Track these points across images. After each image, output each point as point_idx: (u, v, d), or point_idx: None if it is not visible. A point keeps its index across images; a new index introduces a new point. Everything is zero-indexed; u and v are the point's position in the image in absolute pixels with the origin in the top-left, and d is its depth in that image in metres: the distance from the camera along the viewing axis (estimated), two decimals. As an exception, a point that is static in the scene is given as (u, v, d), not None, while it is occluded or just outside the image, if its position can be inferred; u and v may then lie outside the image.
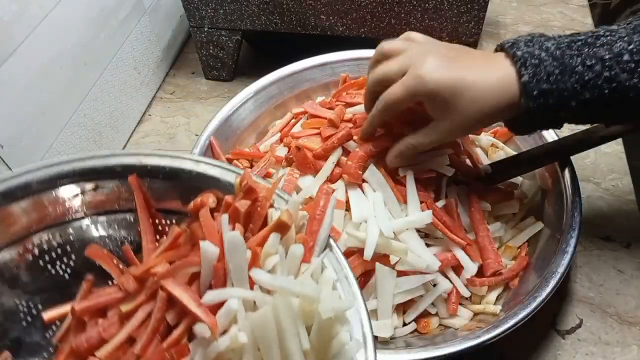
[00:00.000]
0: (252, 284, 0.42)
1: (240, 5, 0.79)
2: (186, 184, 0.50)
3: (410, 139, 0.54)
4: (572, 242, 0.54)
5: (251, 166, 0.66)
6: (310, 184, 0.58)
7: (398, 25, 0.77)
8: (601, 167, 0.74)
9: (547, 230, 0.59)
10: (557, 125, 0.51)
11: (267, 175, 0.63)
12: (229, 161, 0.66)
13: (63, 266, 0.50)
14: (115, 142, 0.80)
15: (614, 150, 0.76)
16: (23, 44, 0.58)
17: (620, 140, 0.77)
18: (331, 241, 0.45)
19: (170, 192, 0.51)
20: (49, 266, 0.49)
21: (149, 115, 0.88)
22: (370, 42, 0.80)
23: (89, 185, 0.50)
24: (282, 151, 0.65)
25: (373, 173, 0.55)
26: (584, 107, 0.46)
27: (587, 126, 0.58)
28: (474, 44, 0.78)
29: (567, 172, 0.59)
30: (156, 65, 0.90)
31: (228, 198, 0.47)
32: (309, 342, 0.39)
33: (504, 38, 0.96)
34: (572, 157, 0.61)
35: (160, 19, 0.89)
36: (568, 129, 0.55)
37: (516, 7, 1.02)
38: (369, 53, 0.75)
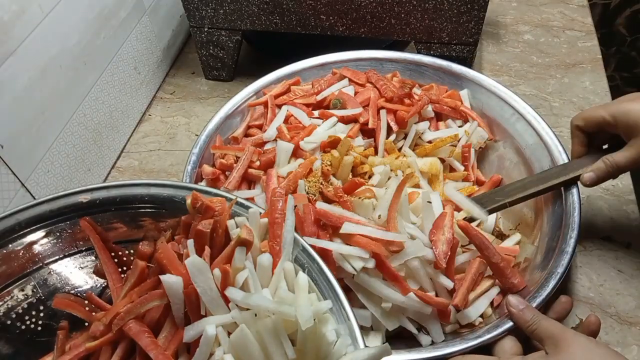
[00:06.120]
0: (228, 300, 0.43)
1: (240, 5, 0.79)
2: (140, 210, 0.50)
3: (611, 156, 0.55)
4: (572, 242, 0.54)
5: (236, 160, 0.65)
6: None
7: (398, 25, 0.77)
8: (601, 167, 0.74)
9: (547, 230, 0.59)
10: None
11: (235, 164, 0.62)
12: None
13: (33, 319, 0.49)
14: (115, 142, 0.80)
15: (614, 151, 0.76)
16: (23, 44, 0.58)
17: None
18: (298, 238, 0.46)
19: (124, 221, 0.51)
20: (18, 323, 0.48)
21: (149, 115, 0.88)
22: (370, 42, 0.80)
23: (39, 234, 0.48)
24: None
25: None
26: None
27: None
28: (473, 44, 0.78)
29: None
30: (156, 65, 0.90)
31: (185, 219, 0.47)
32: (296, 350, 0.39)
33: (504, 38, 0.97)
34: (571, 158, 0.61)
35: (160, 19, 0.89)
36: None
37: (516, 7, 1.02)
38: (369, 53, 0.75)
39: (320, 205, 0.54)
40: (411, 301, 0.51)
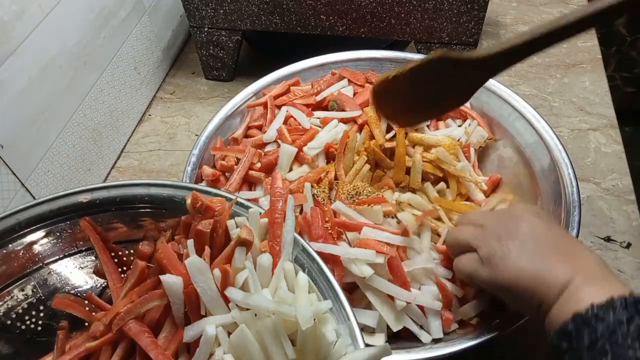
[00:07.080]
0: (228, 300, 0.43)
1: (240, 5, 0.79)
2: (140, 210, 0.50)
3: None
4: (572, 241, 0.54)
5: (237, 162, 0.64)
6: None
7: (398, 25, 0.77)
8: (601, 167, 0.74)
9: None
10: None
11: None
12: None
13: (33, 319, 0.49)
14: (115, 142, 0.80)
15: (614, 150, 0.76)
16: (23, 44, 0.58)
17: (620, 140, 0.77)
18: (298, 238, 0.46)
19: (124, 221, 0.51)
20: (18, 323, 0.48)
21: (149, 115, 0.88)
22: (370, 42, 0.80)
23: (39, 234, 0.48)
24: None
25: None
26: None
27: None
28: (474, 44, 0.78)
29: (566, 172, 0.59)
30: (156, 65, 0.90)
31: (185, 219, 0.47)
32: (296, 350, 0.39)
33: (504, 38, 0.97)
34: (571, 157, 0.61)
35: (160, 19, 0.89)
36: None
37: (516, 7, 1.02)
38: (368, 53, 0.75)
39: (336, 205, 0.55)
40: (424, 297, 0.52)
